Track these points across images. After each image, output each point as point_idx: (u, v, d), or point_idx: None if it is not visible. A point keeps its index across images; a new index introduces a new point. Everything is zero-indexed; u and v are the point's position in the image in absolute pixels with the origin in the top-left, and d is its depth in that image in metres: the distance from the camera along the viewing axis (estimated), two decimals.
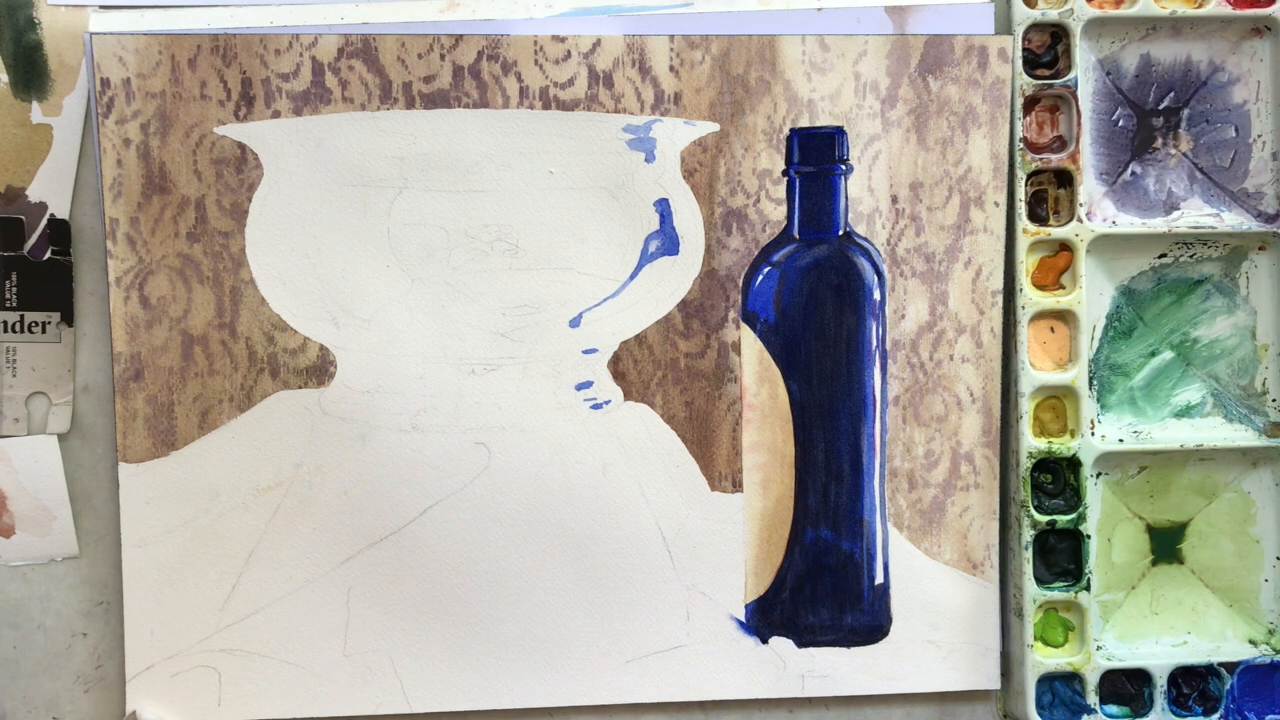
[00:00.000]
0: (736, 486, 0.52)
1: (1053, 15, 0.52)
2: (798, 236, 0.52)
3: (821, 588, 0.53)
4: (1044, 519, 0.53)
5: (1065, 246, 0.53)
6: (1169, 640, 0.55)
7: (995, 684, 0.54)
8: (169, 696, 0.51)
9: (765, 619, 0.53)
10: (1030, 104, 0.53)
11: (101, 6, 0.49)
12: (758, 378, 0.52)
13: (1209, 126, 0.54)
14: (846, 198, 0.52)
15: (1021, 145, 0.52)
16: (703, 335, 0.52)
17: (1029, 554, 0.53)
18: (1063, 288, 0.54)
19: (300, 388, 0.51)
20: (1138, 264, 0.55)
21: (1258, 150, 0.54)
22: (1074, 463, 0.53)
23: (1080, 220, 0.53)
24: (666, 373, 0.52)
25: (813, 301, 0.52)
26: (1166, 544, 0.56)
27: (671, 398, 0.52)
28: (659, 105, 0.51)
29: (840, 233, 0.52)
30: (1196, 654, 0.54)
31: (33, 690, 0.52)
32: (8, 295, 0.50)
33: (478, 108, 0.50)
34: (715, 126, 0.51)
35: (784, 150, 0.51)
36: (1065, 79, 0.52)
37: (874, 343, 0.52)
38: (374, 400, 0.51)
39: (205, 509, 0.51)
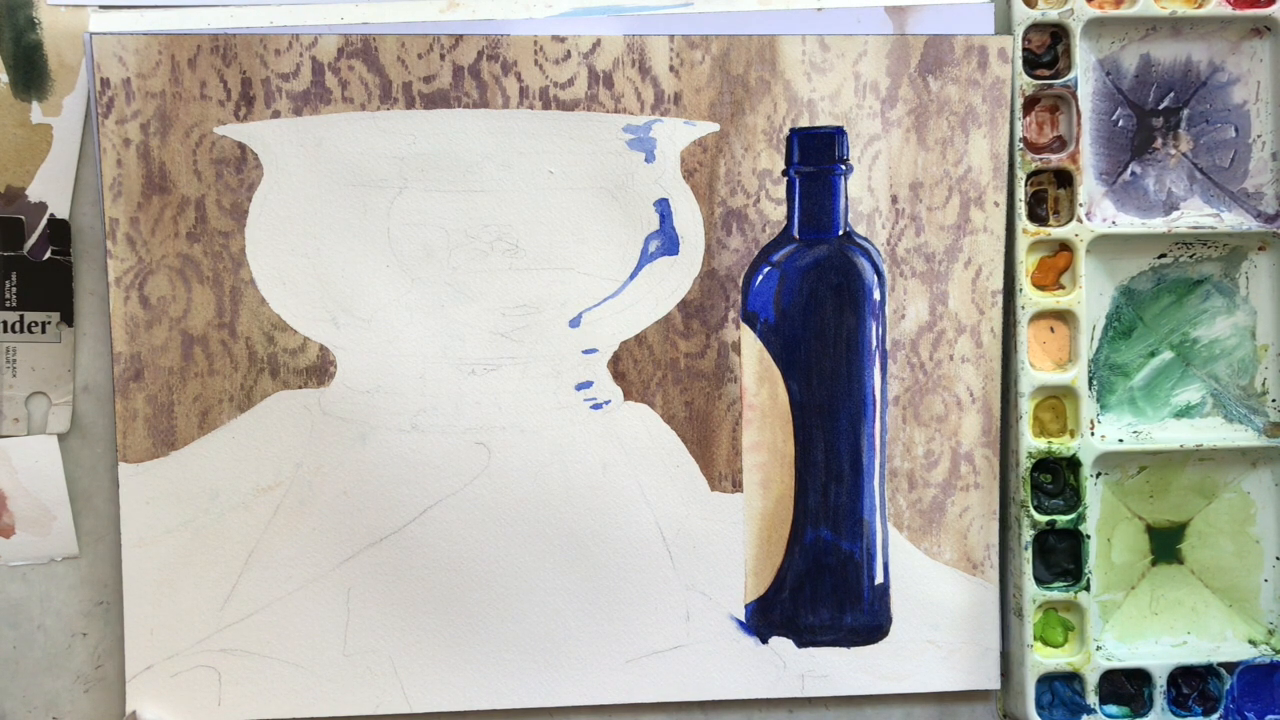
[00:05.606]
0: (736, 486, 0.52)
1: (1053, 15, 0.52)
2: (798, 236, 0.52)
3: (821, 588, 0.53)
4: (1044, 519, 0.53)
5: (1065, 246, 0.53)
6: (1169, 640, 0.55)
7: (995, 684, 0.55)
8: (169, 696, 0.51)
9: (765, 619, 0.53)
10: (1030, 104, 0.53)
11: (101, 6, 0.49)
12: (758, 378, 0.52)
13: (1209, 126, 0.54)
14: (846, 198, 0.52)
15: (1021, 145, 0.52)
16: (703, 335, 0.52)
17: (1029, 554, 0.53)
18: (1062, 288, 0.53)
19: (300, 388, 0.51)
20: (1137, 264, 0.55)
21: (1258, 150, 0.54)
22: (1074, 463, 0.53)
23: (1080, 220, 0.53)
24: (666, 373, 0.52)
25: (813, 301, 0.52)
26: (1166, 544, 0.56)
27: (671, 398, 0.52)
28: (659, 105, 0.50)
29: (840, 233, 0.52)
30: (1196, 654, 0.54)
31: (33, 690, 0.52)
32: (8, 295, 0.50)
33: (478, 108, 0.50)
34: (715, 126, 0.51)
35: (784, 150, 0.51)
36: (1065, 79, 0.52)
37: (874, 343, 0.52)
38: (374, 400, 0.51)
39: (205, 509, 0.51)
